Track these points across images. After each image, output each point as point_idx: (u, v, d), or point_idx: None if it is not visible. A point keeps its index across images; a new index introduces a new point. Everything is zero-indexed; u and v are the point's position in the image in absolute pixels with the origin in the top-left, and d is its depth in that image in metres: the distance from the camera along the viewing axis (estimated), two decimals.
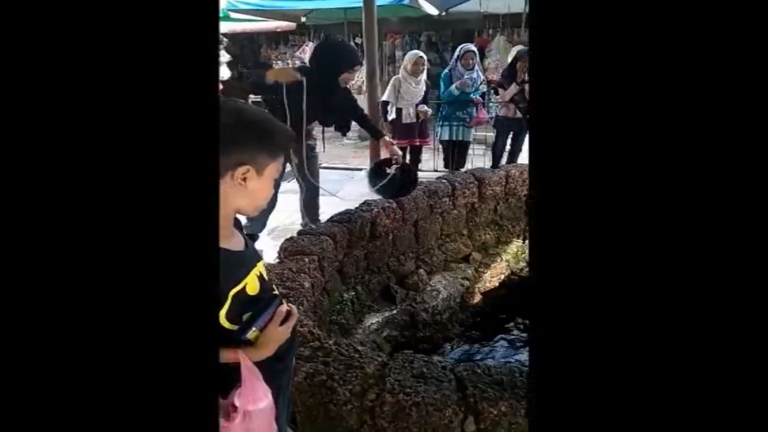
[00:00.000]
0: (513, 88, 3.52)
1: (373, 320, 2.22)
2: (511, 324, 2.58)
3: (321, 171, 2.80)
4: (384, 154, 2.58)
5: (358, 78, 4.49)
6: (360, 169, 4.33)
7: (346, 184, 4.16)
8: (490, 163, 3.89)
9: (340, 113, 2.56)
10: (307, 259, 1.85)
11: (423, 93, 3.59)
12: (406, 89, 3.47)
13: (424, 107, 3.59)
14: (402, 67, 3.56)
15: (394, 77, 3.57)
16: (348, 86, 2.50)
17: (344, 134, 2.59)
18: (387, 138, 2.58)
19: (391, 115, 3.57)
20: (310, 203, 2.74)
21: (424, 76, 3.57)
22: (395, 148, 2.50)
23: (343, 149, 5.76)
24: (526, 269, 2.83)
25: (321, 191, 2.74)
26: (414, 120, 3.58)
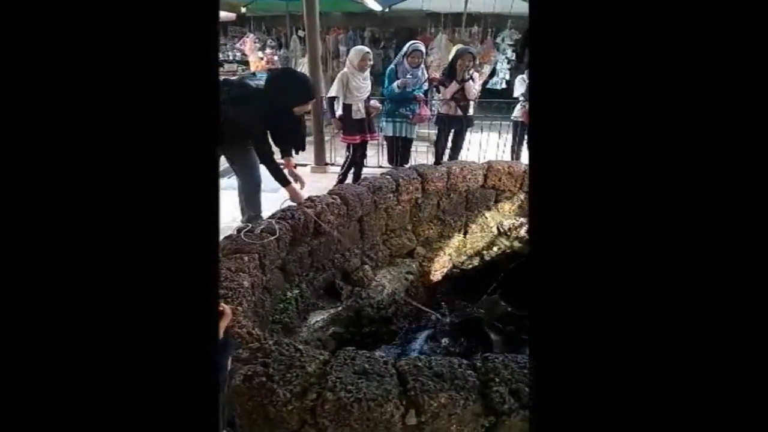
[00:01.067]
0: (453, 86, 3.60)
1: (317, 318, 2.20)
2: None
3: (261, 166, 2.73)
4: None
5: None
6: (305, 165, 4.25)
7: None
8: (433, 160, 3.96)
9: (287, 139, 2.54)
10: (246, 258, 1.79)
11: (370, 88, 3.60)
12: (356, 85, 3.45)
13: (375, 102, 3.61)
14: (348, 62, 3.53)
15: (340, 73, 3.53)
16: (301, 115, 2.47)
17: (291, 156, 2.60)
18: (292, 161, 2.62)
19: (338, 111, 3.55)
20: (250, 199, 2.65)
21: (369, 72, 3.58)
22: (298, 182, 2.50)
23: None
24: (467, 262, 2.92)
25: (262, 186, 2.66)
26: (364, 115, 3.58)
